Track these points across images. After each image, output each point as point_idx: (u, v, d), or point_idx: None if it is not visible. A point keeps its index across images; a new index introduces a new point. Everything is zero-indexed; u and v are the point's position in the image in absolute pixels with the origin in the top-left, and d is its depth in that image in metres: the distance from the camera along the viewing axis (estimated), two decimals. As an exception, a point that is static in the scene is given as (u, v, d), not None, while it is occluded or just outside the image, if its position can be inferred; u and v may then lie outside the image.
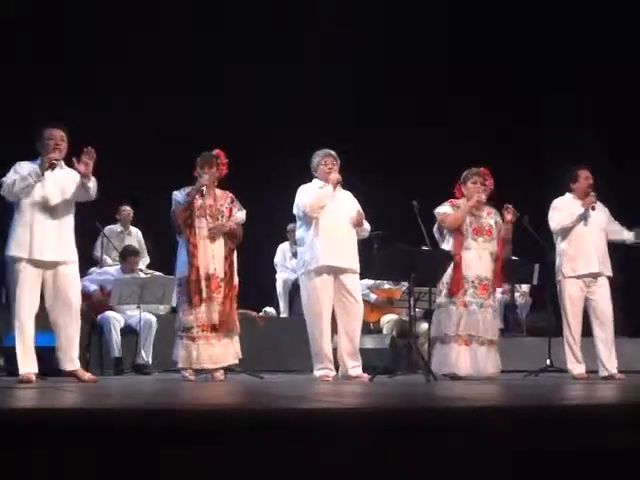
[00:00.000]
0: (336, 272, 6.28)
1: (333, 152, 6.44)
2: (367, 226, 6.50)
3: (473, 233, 6.47)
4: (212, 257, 6.00)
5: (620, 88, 10.46)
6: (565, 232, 6.72)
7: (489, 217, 6.64)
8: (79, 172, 5.45)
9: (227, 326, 5.98)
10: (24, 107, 8.91)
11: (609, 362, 6.57)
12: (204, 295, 5.93)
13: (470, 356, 6.32)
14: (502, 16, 10.54)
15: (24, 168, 5.51)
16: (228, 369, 6.07)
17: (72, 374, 5.56)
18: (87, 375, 5.60)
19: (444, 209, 6.57)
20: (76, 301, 5.61)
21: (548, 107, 10.62)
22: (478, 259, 6.45)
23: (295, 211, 6.41)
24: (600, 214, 6.79)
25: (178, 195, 6.12)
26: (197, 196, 6.07)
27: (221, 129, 9.29)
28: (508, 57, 10.63)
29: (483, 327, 6.37)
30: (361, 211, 6.43)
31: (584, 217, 6.67)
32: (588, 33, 10.53)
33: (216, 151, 6.18)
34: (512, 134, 10.53)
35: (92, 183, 5.52)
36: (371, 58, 10.38)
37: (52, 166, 5.49)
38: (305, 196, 6.33)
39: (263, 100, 9.90)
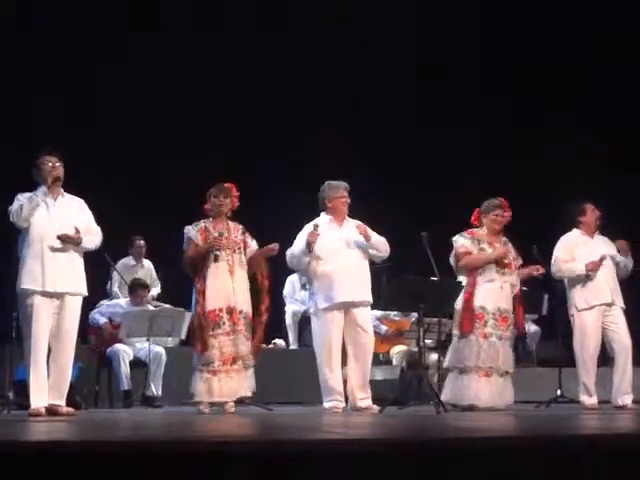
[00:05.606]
0: (348, 306, 6.25)
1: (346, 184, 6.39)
2: (381, 241, 6.35)
3: (497, 266, 6.41)
4: (232, 290, 5.98)
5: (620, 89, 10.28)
6: (563, 274, 6.73)
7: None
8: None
9: (247, 357, 5.95)
10: (24, 107, 8.91)
11: (623, 392, 6.52)
12: (227, 328, 5.91)
13: (490, 387, 6.28)
14: (501, 16, 10.38)
15: (26, 195, 5.53)
16: (238, 401, 6.04)
17: (52, 408, 5.36)
18: (65, 409, 5.44)
19: (463, 242, 6.45)
20: (75, 333, 5.58)
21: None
22: (500, 290, 6.38)
23: None
24: (609, 244, 6.78)
25: (191, 231, 6.06)
26: (211, 229, 6.07)
27: (224, 151, 9.29)
28: (510, 57, 10.39)
29: (502, 359, 6.33)
30: (360, 223, 6.29)
31: (585, 276, 6.65)
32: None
33: (227, 184, 6.17)
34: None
35: (98, 237, 5.68)
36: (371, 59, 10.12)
37: (56, 180, 5.53)
38: (297, 242, 6.31)
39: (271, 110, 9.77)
